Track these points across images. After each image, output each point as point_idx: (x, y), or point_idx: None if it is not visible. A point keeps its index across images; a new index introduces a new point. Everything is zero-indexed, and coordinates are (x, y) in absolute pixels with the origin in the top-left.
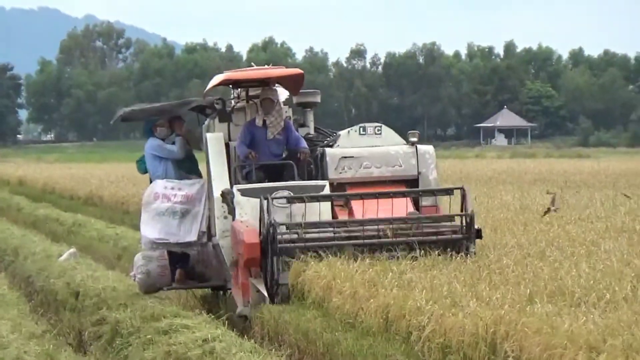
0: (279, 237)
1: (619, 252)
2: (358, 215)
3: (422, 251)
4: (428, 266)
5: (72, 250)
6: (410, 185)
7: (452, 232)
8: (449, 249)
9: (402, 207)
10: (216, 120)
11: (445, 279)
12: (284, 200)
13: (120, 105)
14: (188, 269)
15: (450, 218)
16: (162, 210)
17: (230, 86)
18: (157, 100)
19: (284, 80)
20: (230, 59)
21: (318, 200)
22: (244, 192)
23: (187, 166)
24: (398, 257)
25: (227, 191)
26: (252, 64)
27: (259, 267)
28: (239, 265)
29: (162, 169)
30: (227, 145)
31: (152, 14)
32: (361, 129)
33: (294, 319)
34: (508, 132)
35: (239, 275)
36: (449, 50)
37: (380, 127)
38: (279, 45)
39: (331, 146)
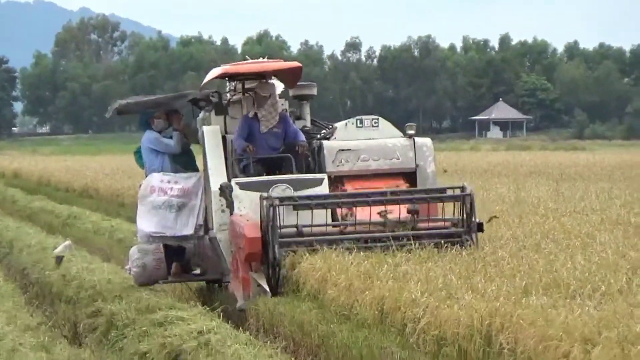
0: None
1: (614, 244)
2: (357, 211)
3: (418, 244)
4: (423, 258)
5: (67, 242)
6: (408, 178)
7: (452, 225)
8: (448, 243)
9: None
10: (212, 113)
11: (441, 271)
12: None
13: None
14: (184, 262)
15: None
16: (158, 204)
17: (227, 79)
18: (153, 93)
19: (281, 74)
20: (225, 51)
21: (324, 207)
22: (243, 186)
23: (184, 161)
24: (394, 250)
25: (225, 185)
26: (247, 57)
27: (260, 261)
28: (239, 259)
29: (158, 162)
30: (223, 139)
31: (147, 7)
32: (358, 121)
33: (289, 311)
34: (503, 125)
35: (239, 269)
36: (444, 43)
37: (378, 119)
38: (274, 39)
39: (328, 139)
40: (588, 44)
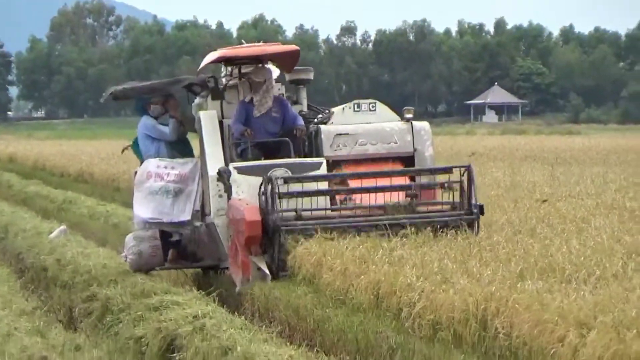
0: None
1: (609, 228)
2: (356, 195)
3: (414, 228)
4: (419, 243)
5: (62, 227)
6: (406, 162)
7: (452, 208)
8: (448, 228)
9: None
10: (209, 98)
11: (436, 256)
12: (282, 181)
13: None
14: (180, 248)
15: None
16: (155, 190)
17: (223, 64)
18: (148, 78)
19: (278, 58)
20: (221, 36)
21: (315, 180)
22: (241, 170)
23: (180, 148)
24: (389, 235)
25: (223, 169)
26: (243, 41)
27: (259, 245)
28: (238, 243)
29: (154, 148)
30: (220, 124)
31: None
32: (355, 105)
33: (284, 295)
34: (499, 109)
35: (238, 254)
36: (439, 28)
37: (375, 103)
38: (269, 23)
39: (325, 123)
40: (583, 28)
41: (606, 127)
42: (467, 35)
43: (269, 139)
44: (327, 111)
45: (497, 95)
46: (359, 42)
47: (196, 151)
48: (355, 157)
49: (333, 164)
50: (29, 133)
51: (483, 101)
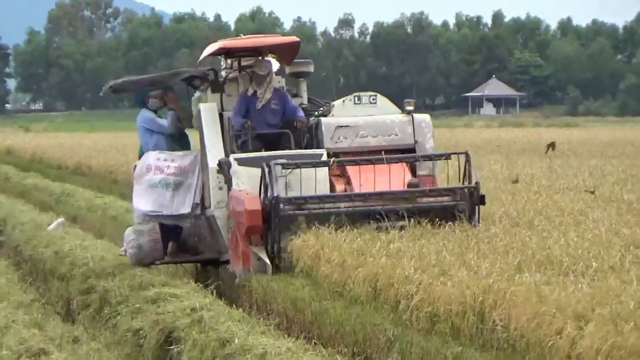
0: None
1: (607, 221)
2: (355, 185)
3: (412, 220)
4: (417, 235)
5: (60, 219)
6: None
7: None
8: (448, 218)
9: (400, 175)
10: (209, 91)
11: (434, 248)
12: (281, 168)
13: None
14: (180, 241)
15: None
16: (155, 182)
17: (222, 56)
18: (146, 70)
19: (279, 50)
20: (218, 28)
21: (314, 166)
22: (241, 162)
23: (179, 142)
24: (389, 227)
25: (224, 161)
26: (242, 35)
27: (260, 235)
28: (239, 234)
29: (153, 142)
30: (220, 116)
31: None
32: (356, 98)
33: (282, 288)
34: (496, 102)
35: (238, 244)
36: (437, 20)
37: (375, 96)
38: (266, 15)
39: (326, 116)
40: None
41: (604, 120)
42: (465, 28)
43: (269, 131)
44: (327, 104)
45: (495, 87)
46: (356, 35)
47: (196, 144)
48: (356, 150)
49: (334, 157)
50: (26, 125)
51: (481, 94)
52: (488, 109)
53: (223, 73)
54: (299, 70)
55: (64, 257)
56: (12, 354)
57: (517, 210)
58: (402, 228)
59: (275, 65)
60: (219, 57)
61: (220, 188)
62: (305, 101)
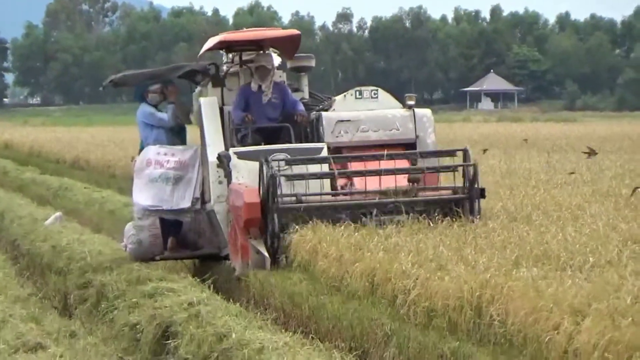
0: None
1: (605, 216)
2: (357, 180)
3: (410, 215)
4: (414, 230)
5: (57, 214)
6: (407, 150)
7: (453, 192)
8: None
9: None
10: (209, 85)
11: (431, 243)
12: (283, 164)
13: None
14: (180, 237)
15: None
16: (155, 177)
17: (223, 50)
18: (144, 65)
19: (279, 43)
20: (217, 22)
21: (318, 162)
22: (241, 155)
23: (179, 136)
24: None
25: (223, 154)
26: (244, 28)
27: (258, 227)
28: (237, 227)
29: (153, 136)
30: (221, 110)
31: None
32: (357, 92)
33: (279, 282)
34: (495, 96)
35: (237, 237)
36: (435, 14)
37: (377, 90)
38: (265, 9)
39: (327, 110)
40: (579, 15)
41: (602, 114)
42: (463, 22)
43: (269, 124)
44: (329, 99)
45: (493, 82)
46: (355, 29)
47: (196, 139)
48: (357, 144)
49: (334, 151)
50: (24, 120)
51: (479, 88)
52: (486, 104)
53: (224, 67)
54: (300, 65)
55: (61, 252)
56: (9, 348)
57: (514, 205)
58: (398, 222)
59: (277, 60)
60: (221, 51)
61: (220, 182)
62: (306, 96)
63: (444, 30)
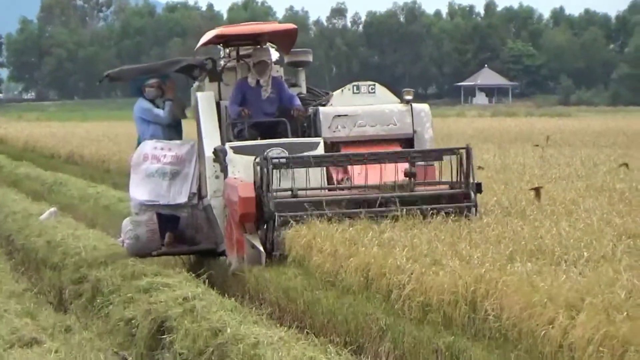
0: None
1: (599, 210)
2: (352, 174)
3: (405, 210)
4: (409, 225)
5: (52, 209)
6: (405, 144)
7: (449, 187)
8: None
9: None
10: (206, 80)
11: (426, 238)
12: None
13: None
14: (177, 232)
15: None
16: (151, 172)
17: (221, 45)
18: (138, 60)
19: (276, 37)
20: (211, 17)
21: (315, 165)
22: (237, 150)
23: (175, 131)
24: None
25: (219, 148)
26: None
27: (253, 222)
28: (233, 222)
29: (150, 132)
30: (217, 105)
31: None
32: (355, 87)
33: (274, 277)
34: (489, 91)
35: (233, 232)
36: (429, 9)
37: (374, 85)
38: (259, 4)
39: (324, 105)
40: (574, 9)
41: (596, 109)
42: (458, 17)
43: (266, 119)
44: (327, 94)
45: (487, 77)
46: (349, 24)
47: (193, 134)
48: (354, 139)
49: (331, 146)
50: (19, 115)
51: (473, 83)
52: (480, 99)
53: (222, 62)
54: (297, 60)
55: (56, 247)
56: (4, 343)
57: (509, 199)
58: (394, 217)
59: (275, 54)
60: (218, 46)
61: (217, 177)
62: (304, 91)
63: (438, 25)
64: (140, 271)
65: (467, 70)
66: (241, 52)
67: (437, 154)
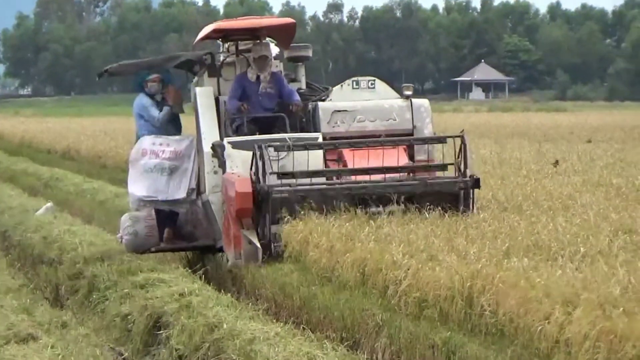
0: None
1: (595, 206)
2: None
3: (400, 205)
4: (405, 220)
5: (49, 204)
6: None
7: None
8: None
9: (395, 159)
10: (205, 75)
11: (422, 233)
12: (274, 150)
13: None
14: (176, 228)
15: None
16: (150, 167)
17: (220, 40)
18: (135, 55)
19: (275, 32)
20: (207, 13)
21: (307, 149)
22: (235, 145)
23: (173, 126)
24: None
25: (217, 143)
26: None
27: (250, 218)
28: (230, 217)
29: (148, 128)
30: (216, 100)
31: None
32: (354, 82)
33: (270, 273)
34: (485, 86)
35: (230, 227)
36: (426, 4)
37: (374, 80)
38: (255, 0)
39: (324, 100)
40: (570, 4)
41: (593, 104)
42: (454, 12)
43: (265, 114)
44: (326, 89)
45: (484, 72)
46: (345, 19)
47: (192, 129)
48: (354, 134)
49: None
50: (15, 110)
51: (470, 78)
52: (477, 94)
53: (221, 57)
54: (297, 55)
55: (52, 242)
56: (1, 339)
57: (505, 194)
58: (390, 212)
59: (275, 50)
60: (217, 41)
61: (215, 172)
62: (303, 86)
63: (435, 20)
64: (136, 267)
65: (464, 65)
66: (240, 47)
67: (435, 141)
